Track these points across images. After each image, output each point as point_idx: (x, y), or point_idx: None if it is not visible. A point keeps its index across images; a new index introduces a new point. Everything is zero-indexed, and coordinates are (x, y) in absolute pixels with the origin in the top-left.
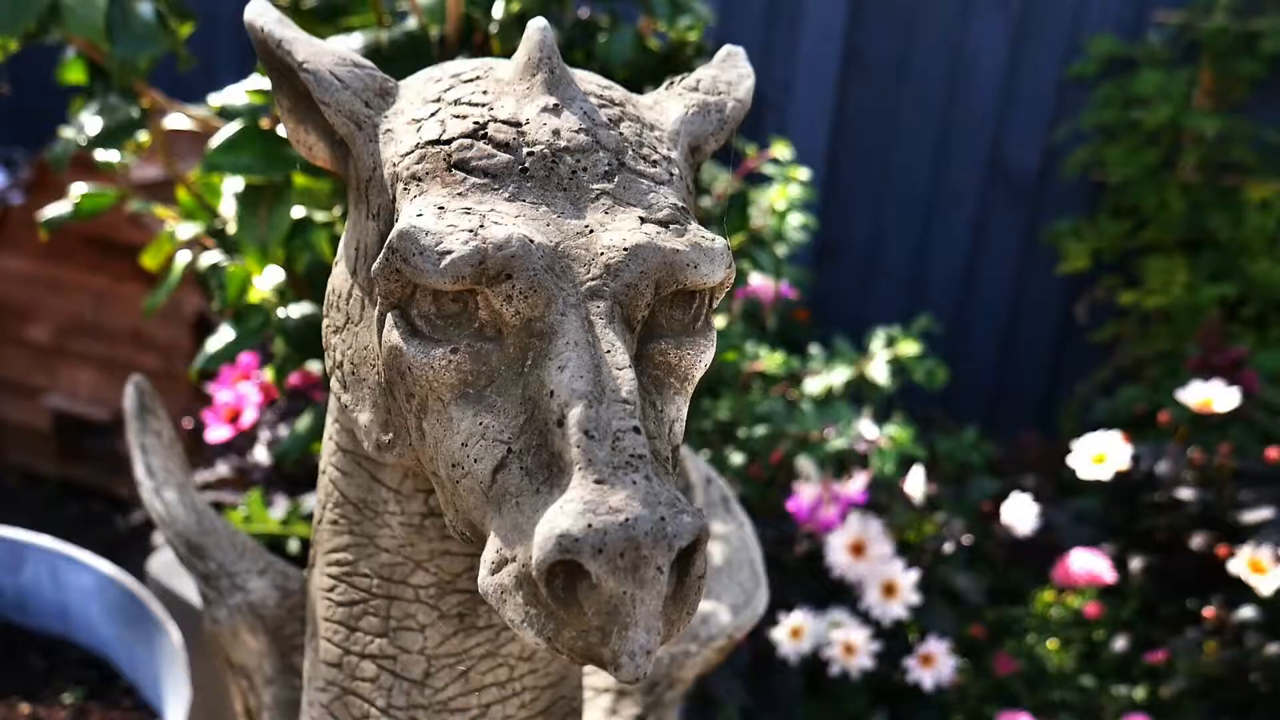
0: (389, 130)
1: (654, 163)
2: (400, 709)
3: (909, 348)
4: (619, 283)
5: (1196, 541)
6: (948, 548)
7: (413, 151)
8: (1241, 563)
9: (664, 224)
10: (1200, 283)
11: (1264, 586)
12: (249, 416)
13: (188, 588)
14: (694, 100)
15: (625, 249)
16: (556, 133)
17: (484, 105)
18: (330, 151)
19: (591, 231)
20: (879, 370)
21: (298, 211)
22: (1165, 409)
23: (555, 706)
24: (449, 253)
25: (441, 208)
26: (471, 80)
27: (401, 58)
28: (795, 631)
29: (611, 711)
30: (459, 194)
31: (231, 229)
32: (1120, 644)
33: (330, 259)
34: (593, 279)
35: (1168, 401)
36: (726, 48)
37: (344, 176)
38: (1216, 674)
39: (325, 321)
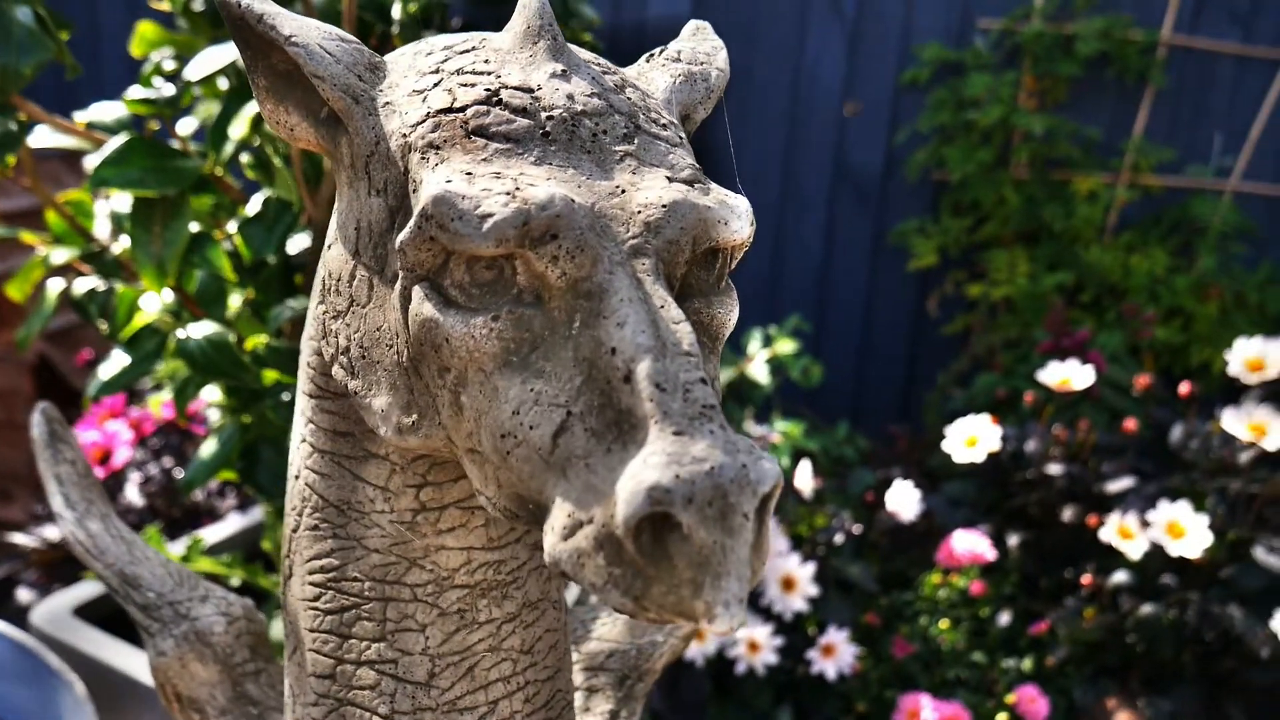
0: (389, 103)
1: (664, 126)
2: (405, 713)
3: (786, 346)
4: (661, 239)
5: (1067, 514)
6: (838, 539)
7: (424, 121)
8: (1111, 530)
9: (689, 183)
10: (1040, 272)
11: (1133, 551)
12: (121, 456)
13: (81, 639)
14: (679, 70)
15: (664, 205)
16: (571, 97)
17: (490, 73)
18: (315, 131)
19: (623, 192)
20: (759, 370)
21: (193, 227)
22: (1022, 392)
23: (554, 700)
24: (490, 215)
25: (470, 173)
26: (468, 51)
27: None
28: (700, 634)
29: (584, 709)
30: (484, 159)
31: (116, 250)
32: (1005, 618)
33: (230, 275)
34: (634, 237)
35: (1022, 386)
36: (694, 22)
37: (332, 155)
38: (1096, 639)
39: (321, 308)
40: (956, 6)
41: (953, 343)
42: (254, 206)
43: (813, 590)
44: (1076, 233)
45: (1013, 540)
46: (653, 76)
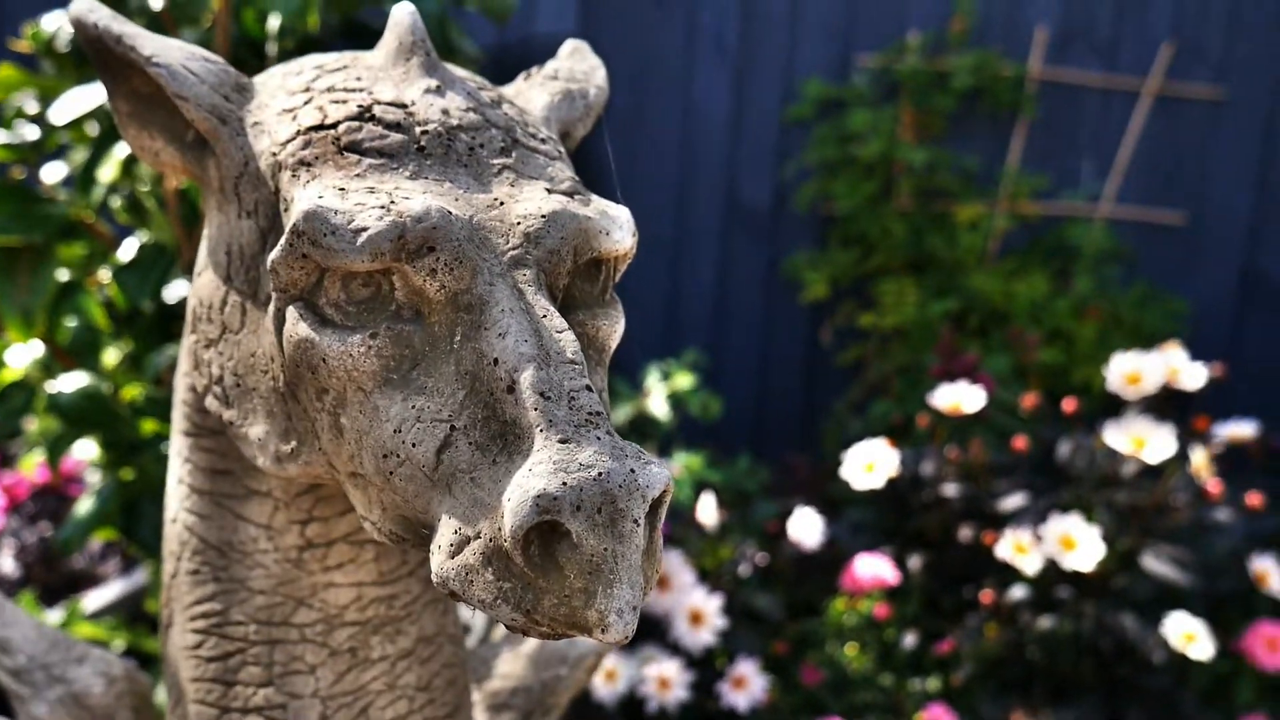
0: (257, 123)
1: (542, 140)
2: None
3: (684, 380)
4: (541, 249)
5: (964, 533)
6: (744, 570)
7: (295, 138)
8: (1007, 547)
9: (569, 194)
10: (928, 300)
11: (1028, 566)
12: None
13: None
14: (557, 88)
15: (543, 216)
16: (446, 112)
17: (362, 90)
18: (181, 155)
19: (502, 204)
20: (658, 405)
21: (62, 275)
22: (915, 417)
23: None
24: (364, 230)
25: (343, 189)
26: (339, 70)
27: None
28: (610, 674)
29: None
30: (357, 175)
31: None
32: (911, 640)
33: (104, 325)
34: (513, 248)
35: (915, 411)
36: (571, 42)
37: (199, 179)
38: (998, 654)
39: (193, 338)
40: (836, 44)
41: (847, 372)
42: (128, 252)
43: (721, 623)
44: (960, 261)
45: (914, 562)
46: (531, 95)
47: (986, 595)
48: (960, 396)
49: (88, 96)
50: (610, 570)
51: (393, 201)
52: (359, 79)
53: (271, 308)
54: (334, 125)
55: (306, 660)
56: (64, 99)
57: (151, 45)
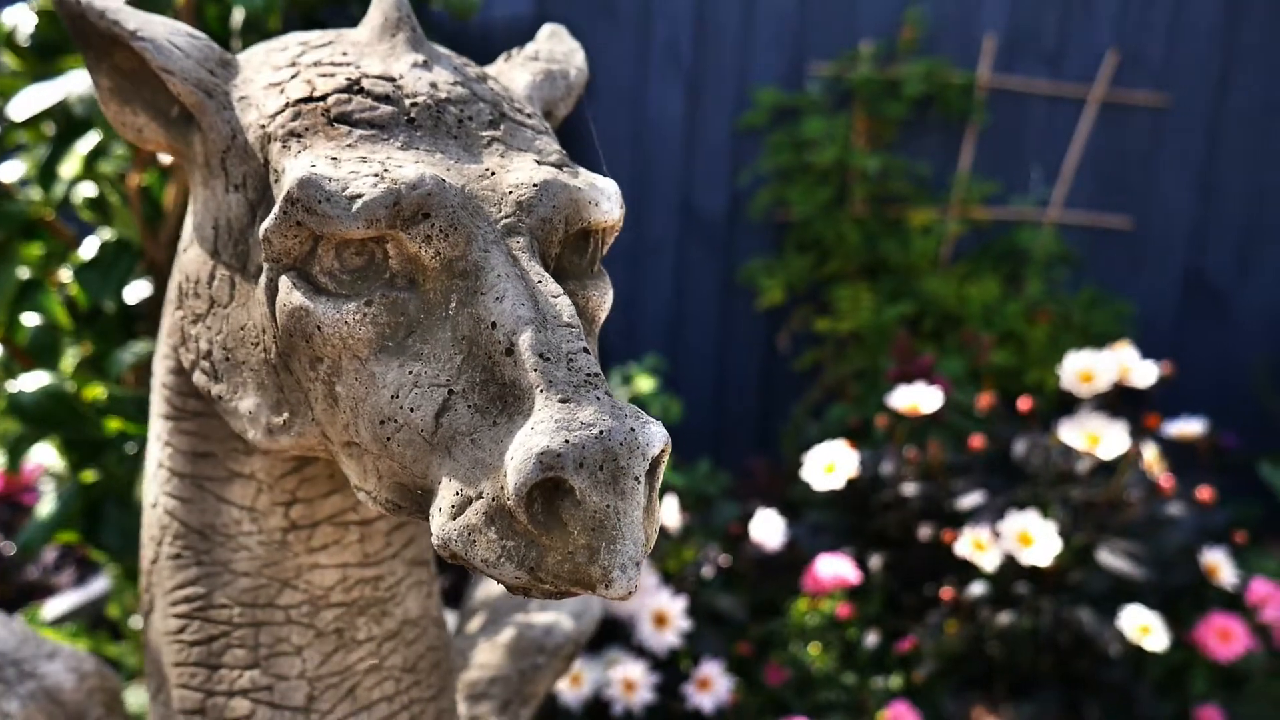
0: (244, 97)
1: (528, 115)
2: None
3: (645, 384)
4: (534, 218)
5: (924, 532)
6: (707, 572)
7: (283, 111)
8: (966, 544)
9: (557, 166)
10: (883, 305)
11: (987, 563)
12: None
13: None
14: (538, 69)
15: (535, 185)
16: (434, 85)
17: (349, 64)
18: (166, 131)
19: (493, 174)
20: None
21: (22, 273)
22: (873, 420)
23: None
24: (359, 196)
25: (335, 158)
26: (324, 45)
27: None
28: (575, 679)
29: None
30: (348, 145)
31: None
32: (872, 639)
33: (64, 323)
34: (506, 216)
35: (873, 414)
36: (549, 26)
37: (183, 155)
38: (959, 651)
39: (179, 314)
40: (788, 53)
41: (805, 376)
42: (89, 250)
43: (685, 624)
44: (914, 265)
45: (875, 562)
46: (512, 74)
47: (947, 592)
48: (917, 398)
49: (47, 93)
50: (613, 526)
51: (386, 170)
52: (345, 54)
53: (263, 279)
54: (323, 98)
55: (292, 641)
56: (22, 95)
57: (135, 20)
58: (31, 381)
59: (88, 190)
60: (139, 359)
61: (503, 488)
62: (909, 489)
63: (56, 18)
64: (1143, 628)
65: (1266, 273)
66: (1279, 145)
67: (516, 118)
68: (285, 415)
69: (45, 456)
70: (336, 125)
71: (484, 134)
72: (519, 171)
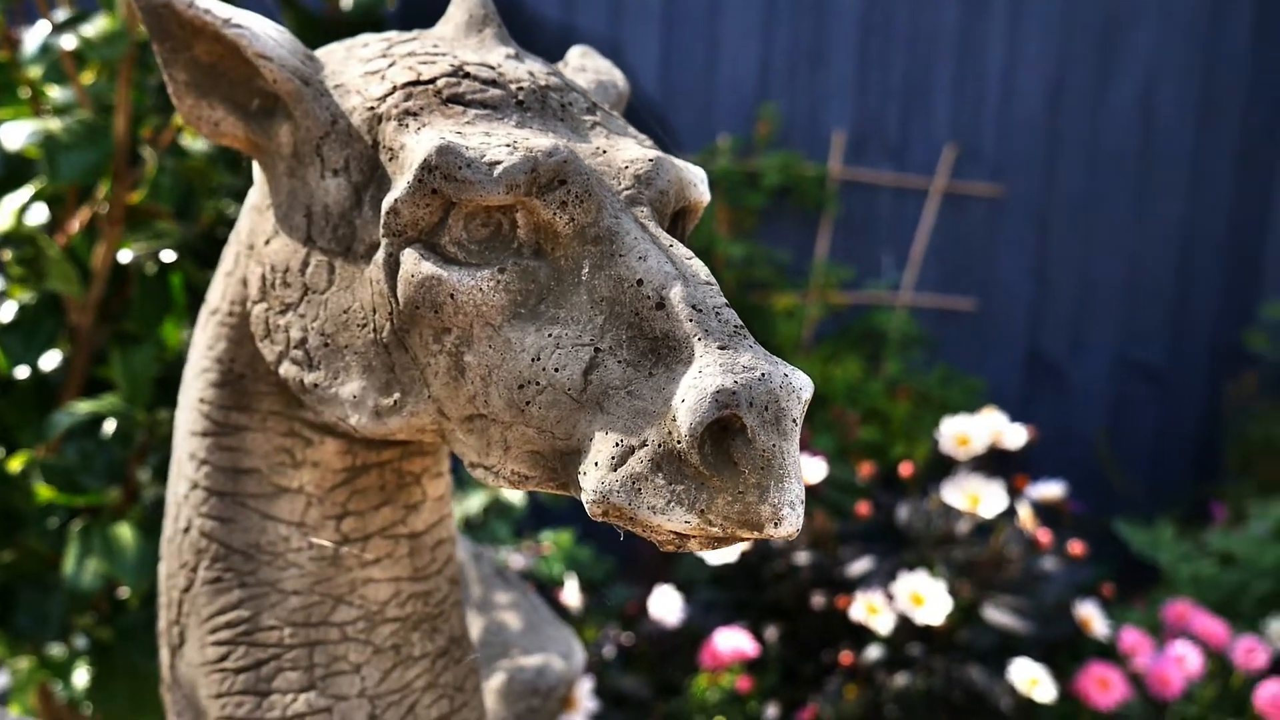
0: (339, 85)
1: (610, 109)
2: None
3: None
4: (653, 190)
5: (817, 600)
6: (608, 652)
7: (393, 93)
8: (860, 609)
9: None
10: None
11: (881, 626)
12: None
13: None
14: (590, 78)
15: (650, 160)
16: (531, 74)
17: (445, 54)
18: (244, 124)
19: (605, 152)
20: (513, 491)
21: None
22: None
23: None
24: (498, 162)
25: (459, 133)
26: (410, 40)
27: (80, 146)
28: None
29: None
30: (467, 123)
31: None
32: (772, 711)
33: None
34: (627, 189)
35: None
36: (579, 46)
37: (264, 148)
38: (859, 715)
39: (261, 306)
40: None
41: None
42: (8, 313)
43: (593, 706)
44: (780, 348)
45: (770, 633)
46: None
47: (846, 657)
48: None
49: None
50: (780, 465)
51: (516, 141)
52: (436, 46)
53: (381, 254)
54: (431, 81)
55: (350, 659)
56: None
57: (225, 9)
58: None
59: (17, 246)
60: (77, 421)
61: (670, 432)
62: (800, 558)
63: None
64: (1031, 680)
65: (1097, 350)
66: (1102, 232)
67: (604, 108)
68: (396, 395)
69: None
70: (451, 105)
71: (585, 118)
72: (628, 150)
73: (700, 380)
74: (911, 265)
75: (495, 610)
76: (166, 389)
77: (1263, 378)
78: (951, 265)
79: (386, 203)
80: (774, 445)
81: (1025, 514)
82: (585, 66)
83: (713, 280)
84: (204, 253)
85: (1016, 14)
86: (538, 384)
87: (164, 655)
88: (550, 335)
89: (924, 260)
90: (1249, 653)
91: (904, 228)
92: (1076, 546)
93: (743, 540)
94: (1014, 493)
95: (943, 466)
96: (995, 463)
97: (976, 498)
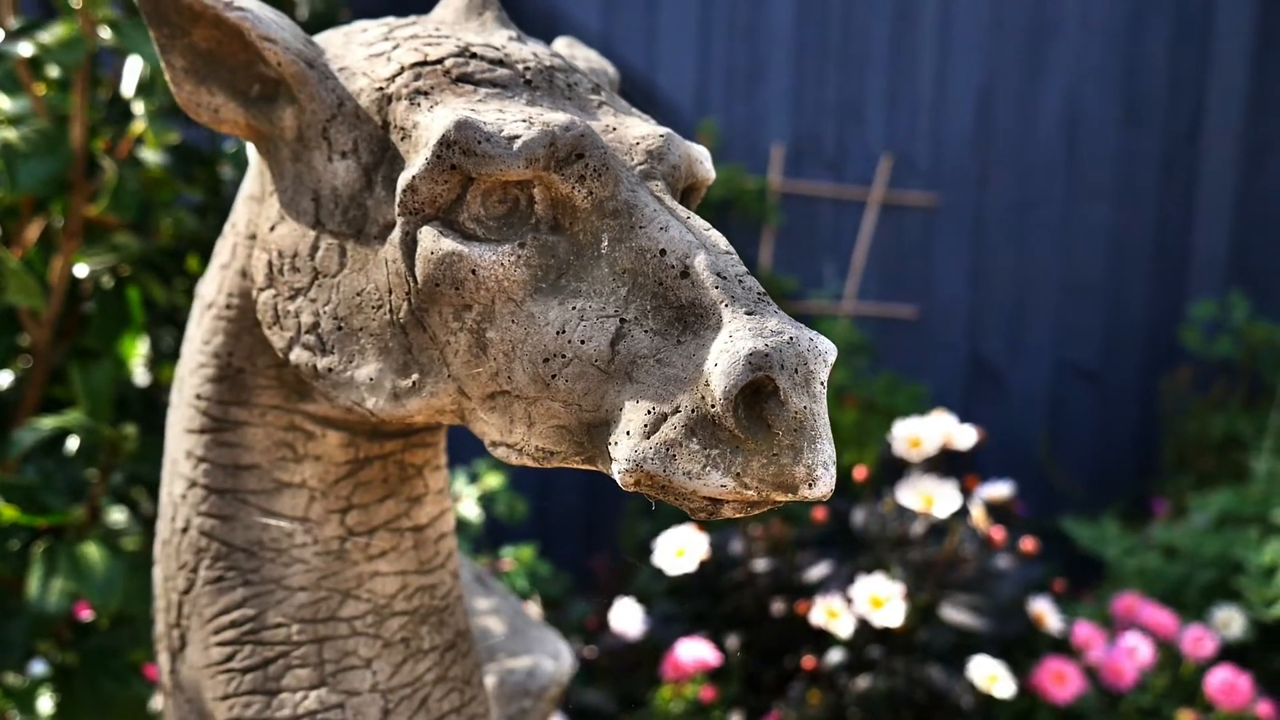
0: (344, 68)
1: (610, 90)
2: None
3: (494, 479)
4: (665, 164)
5: (777, 607)
6: None
7: (401, 73)
8: (820, 614)
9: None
10: None
11: (842, 630)
12: None
13: None
14: (582, 66)
15: (661, 135)
16: (536, 55)
17: (449, 36)
18: (244, 110)
19: (615, 129)
20: (469, 508)
21: None
22: None
23: None
24: (517, 136)
25: (473, 110)
26: (411, 24)
27: (39, 155)
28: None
29: None
30: (479, 100)
31: None
32: (737, 718)
33: None
34: (640, 164)
35: None
36: (564, 38)
37: (266, 134)
38: (823, 719)
39: (269, 293)
40: None
41: None
42: None
43: None
44: None
45: (731, 642)
46: None
47: (809, 662)
48: None
49: None
50: (811, 427)
51: (531, 116)
52: (438, 29)
53: (397, 233)
54: (439, 61)
55: (360, 654)
56: None
57: None
58: None
59: None
60: (42, 437)
61: (704, 397)
62: (760, 564)
63: None
64: (990, 677)
65: (1035, 353)
66: (1035, 236)
67: (608, 89)
68: (414, 376)
69: None
70: (461, 84)
71: (592, 97)
72: (638, 127)
73: (732, 344)
74: (853, 274)
75: (478, 615)
76: (123, 406)
77: (1196, 374)
78: (891, 273)
79: (403, 180)
80: (806, 407)
81: (978, 513)
82: (575, 55)
83: (731, 250)
84: (162, 266)
85: (945, 26)
86: (564, 356)
87: (163, 660)
88: (574, 308)
89: (865, 269)
90: (1197, 641)
91: (844, 238)
92: (1029, 544)
93: (777, 503)
94: (965, 493)
95: (892, 471)
96: (944, 465)
97: (931, 499)
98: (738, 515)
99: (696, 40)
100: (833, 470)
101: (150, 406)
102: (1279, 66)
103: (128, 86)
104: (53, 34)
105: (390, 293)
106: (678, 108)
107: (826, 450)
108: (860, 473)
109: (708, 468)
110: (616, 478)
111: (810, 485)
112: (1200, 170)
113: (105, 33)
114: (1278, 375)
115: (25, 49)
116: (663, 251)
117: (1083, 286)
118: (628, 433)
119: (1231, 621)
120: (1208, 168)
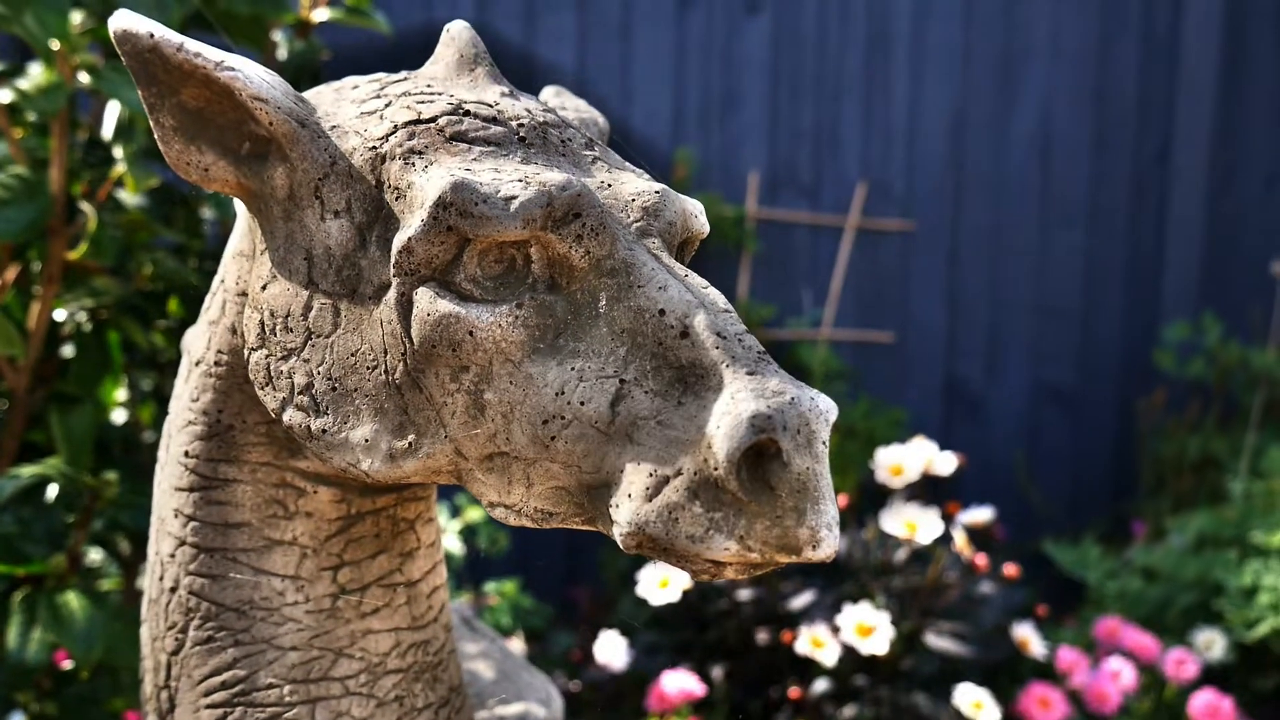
0: (335, 126)
1: (603, 145)
2: None
3: (475, 512)
4: (661, 221)
5: (762, 636)
6: None
7: (395, 132)
8: (805, 643)
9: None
10: None
11: (827, 658)
12: None
13: None
14: (572, 117)
15: (656, 192)
16: (529, 111)
17: (441, 94)
18: (234, 168)
19: (609, 185)
20: (452, 540)
21: None
22: None
23: None
24: (514, 197)
25: (468, 170)
26: (402, 81)
27: (18, 202)
28: None
29: None
30: (474, 159)
31: None
32: None
33: None
34: (636, 221)
35: None
36: (552, 87)
37: (256, 193)
38: None
39: (261, 353)
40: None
41: None
42: None
43: None
44: None
45: (717, 672)
46: None
47: (794, 692)
48: None
49: None
50: (815, 488)
51: (527, 176)
52: (430, 86)
53: (392, 294)
54: (432, 119)
55: (354, 714)
56: None
57: (216, 53)
58: None
59: None
60: (27, 483)
61: (706, 460)
62: (743, 594)
63: None
64: (975, 704)
65: (1011, 376)
66: (1009, 260)
67: (601, 143)
68: (411, 437)
69: None
70: (455, 143)
71: (586, 153)
72: (632, 183)
73: (734, 406)
74: (830, 301)
75: (467, 660)
76: (103, 449)
77: (1170, 395)
78: (869, 299)
79: (399, 241)
80: (808, 468)
81: (961, 539)
82: (565, 105)
83: (730, 308)
84: (142, 309)
85: (918, 54)
86: (563, 418)
87: None
88: (573, 369)
89: (842, 295)
90: (1179, 664)
91: (821, 265)
92: (1011, 569)
93: (779, 564)
94: (947, 519)
95: (874, 498)
96: (924, 491)
97: (914, 525)
98: (740, 577)
99: (672, 70)
100: (836, 531)
101: (129, 448)
102: (1247, 89)
103: (107, 129)
104: (32, 81)
105: (385, 353)
106: (654, 138)
107: (829, 511)
108: (842, 501)
109: (711, 531)
110: (618, 540)
111: (814, 547)
112: (1171, 192)
113: (84, 77)
114: (1250, 396)
115: (3, 95)
116: (662, 311)
117: (1057, 309)
118: (629, 495)
119: (1213, 643)
120: (1178, 190)
